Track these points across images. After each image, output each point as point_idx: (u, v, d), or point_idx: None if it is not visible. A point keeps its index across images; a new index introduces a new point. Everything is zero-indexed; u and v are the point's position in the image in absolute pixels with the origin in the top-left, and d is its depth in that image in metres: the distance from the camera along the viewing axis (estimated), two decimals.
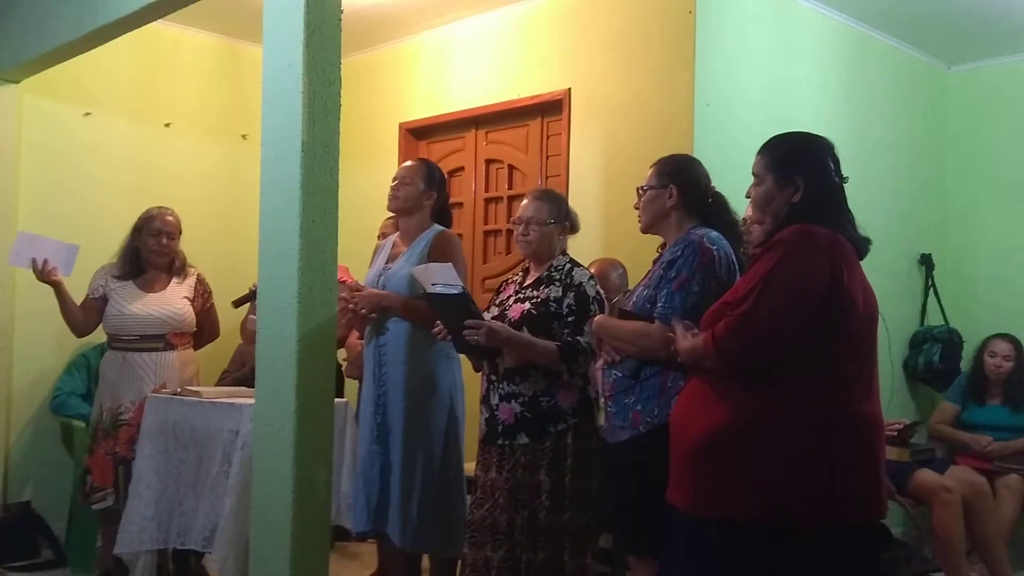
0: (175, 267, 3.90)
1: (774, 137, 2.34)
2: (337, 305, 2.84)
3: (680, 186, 2.64)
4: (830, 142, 2.28)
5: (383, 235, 3.97)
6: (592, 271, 3.13)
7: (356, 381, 3.89)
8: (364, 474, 3.28)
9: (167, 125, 5.04)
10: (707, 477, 2.16)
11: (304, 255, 2.65)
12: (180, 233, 3.90)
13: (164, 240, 3.83)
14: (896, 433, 3.82)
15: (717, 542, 2.13)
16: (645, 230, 2.74)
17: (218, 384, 4.37)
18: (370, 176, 4.93)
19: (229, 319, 4.13)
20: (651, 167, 2.73)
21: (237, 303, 3.74)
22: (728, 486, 2.12)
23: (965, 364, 4.71)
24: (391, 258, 3.41)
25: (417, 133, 5.11)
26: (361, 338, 3.81)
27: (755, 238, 2.42)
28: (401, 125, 5.12)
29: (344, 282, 3.22)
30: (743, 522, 2.10)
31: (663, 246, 2.70)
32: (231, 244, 4.93)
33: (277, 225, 2.72)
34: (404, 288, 3.23)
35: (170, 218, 3.87)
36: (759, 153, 2.31)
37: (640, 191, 2.72)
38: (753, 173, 2.30)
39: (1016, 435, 4.26)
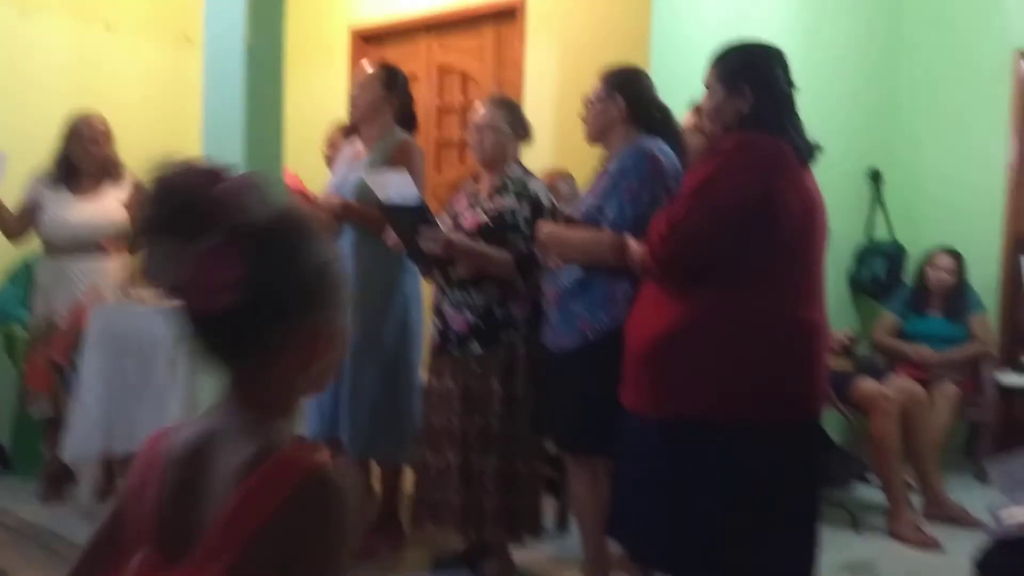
0: (110, 172, 3.81)
1: (724, 47, 2.36)
2: None
3: (628, 97, 2.64)
4: (780, 51, 2.31)
5: (331, 145, 3.89)
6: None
7: None
8: None
9: (108, 26, 4.84)
10: (656, 377, 2.24)
11: (248, 160, 2.60)
12: (110, 138, 3.81)
13: (92, 147, 3.74)
14: (841, 344, 3.91)
15: (665, 440, 2.22)
16: (592, 141, 2.74)
17: None
18: (320, 83, 4.81)
19: None
20: (599, 78, 2.71)
21: None
22: (675, 386, 2.21)
23: (909, 278, 4.82)
24: (351, 163, 3.36)
25: (368, 38, 4.97)
26: None
27: (693, 146, 2.46)
28: (351, 30, 4.98)
29: (294, 190, 3.16)
30: (690, 420, 2.19)
31: (606, 157, 2.71)
32: (174, 148, 4.79)
33: (220, 130, 2.66)
34: (353, 193, 3.18)
35: (98, 125, 3.78)
36: (710, 64, 2.34)
37: (587, 102, 2.70)
38: (704, 84, 2.33)
39: (954, 345, 4.40)
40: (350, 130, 3.83)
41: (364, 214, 3.12)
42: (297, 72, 5.10)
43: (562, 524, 3.50)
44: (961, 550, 3.00)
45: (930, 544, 3.49)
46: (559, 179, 3.68)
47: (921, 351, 4.38)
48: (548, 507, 3.36)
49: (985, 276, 4.84)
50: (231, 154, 2.61)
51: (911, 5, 5.22)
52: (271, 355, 0.91)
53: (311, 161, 4.04)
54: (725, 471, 2.17)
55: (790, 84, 2.29)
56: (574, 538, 3.00)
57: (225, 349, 0.91)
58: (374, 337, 3.17)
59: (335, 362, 0.98)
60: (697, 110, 2.94)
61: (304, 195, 3.27)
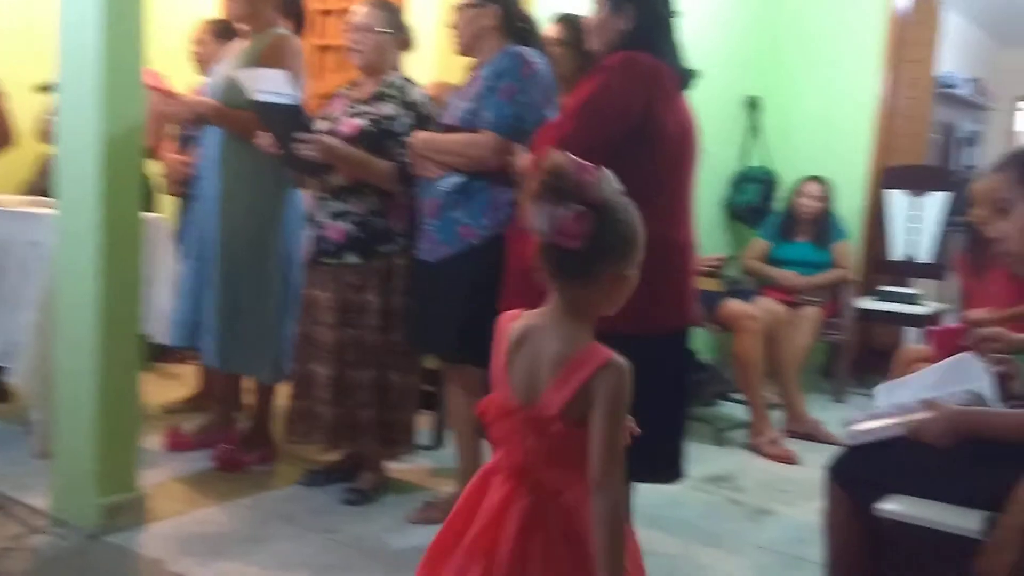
0: None
1: None
2: (145, 112, 2.63)
3: (503, 5, 2.60)
4: None
5: (199, 42, 3.67)
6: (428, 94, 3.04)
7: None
8: (182, 288, 3.17)
9: None
10: (536, 290, 2.22)
11: (107, 52, 2.41)
12: None
13: None
14: (712, 267, 4.02)
15: None
16: (463, 51, 2.70)
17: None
18: None
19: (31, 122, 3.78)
20: None
21: (44, 88, 3.44)
22: None
23: (780, 205, 4.98)
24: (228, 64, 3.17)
25: None
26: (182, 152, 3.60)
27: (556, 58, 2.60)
28: None
29: (153, 88, 2.96)
30: None
31: (476, 66, 2.67)
32: (29, 39, 4.42)
33: (76, 16, 2.44)
34: (220, 90, 3.01)
35: None
36: None
37: (459, 9, 2.65)
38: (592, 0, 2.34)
39: (819, 270, 4.59)
40: (227, 28, 3.62)
41: (231, 115, 2.95)
42: None
43: (439, 439, 3.51)
44: (816, 462, 3.15)
45: (787, 458, 3.68)
46: (445, 91, 3.57)
47: (786, 275, 4.55)
48: (425, 423, 3.37)
49: (851, 206, 5.05)
50: (87, 46, 2.41)
51: None
52: (592, 284, 1.41)
53: (180, 58, 3.80)
54: None
55: (671, 9, 2.33)
56: (451, 452, 3.01)
57: (566, 274, 1.41)
58: (243, 244, 3.04)
59: (623, 299, 1.46)
60: (560, 23, 2.96)
61: (164, 92, 3.06)
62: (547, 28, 2.98)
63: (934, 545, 1.76)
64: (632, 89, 2.17)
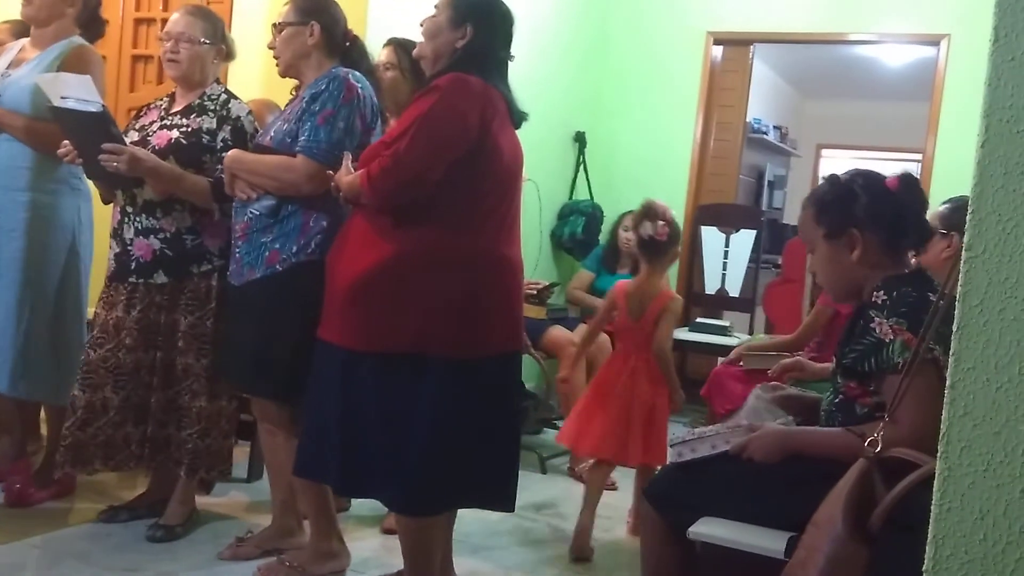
0: None
1: None
2: None
3: (322, 24, 2.53)
4: (512, 16, 2.34)
5: None
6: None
7: None
8: None
9: None
10: (364, 311, 2.20)
11: None
12: None
13: None
14: (535, 292, 4.08)
15: (372, 373, 2.19)
16: (284, 72, 2.60)
17: None
18: None
19: None
20: (288, 2, 2.57)
21: None
22: (384, 320, 2.19)
23: (604, 237, 5.12)
24: (14, 64, 2.93)
25: None
26: None
27: (387, 81, 2.71)
28: None
29: None
30: (401, 354, 2.18)
31: (297, 88, 2.60)
32: None
33: None
34: (25, 100, 2.80)
35: None
36: None
37: (276, 28, 2.56)
38: (435, 4, 2.30)
39: None
40: (27, 30, 3.36)
41: (35, 127, 2.74)
42: None
43: (255, 472, 3.35)
44: (633, 486, 3.27)
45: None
46: (267, 110, 3.46)
47: None
48: (242, 453, 3.21)
49: None
50: None
51: None
52: (669, 258, 3.18)
53: None
54: (432, 404, 2.17)
55: (509, 46, 2.32)
56: (266, 485, 2.88)
57: (659, 254, 3.08)
58: (36, 263, 2.82)
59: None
60: (392, 47, 2.94)
61: None
62: (380, 52, 2.94)
63: (745, 567, 1.81)
64: (466, 107, 2.15)
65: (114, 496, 2.96)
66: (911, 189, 1.98)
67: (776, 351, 3.46)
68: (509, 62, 2.33)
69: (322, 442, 2.30)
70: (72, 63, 2.83)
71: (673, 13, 5.43)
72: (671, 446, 2.07)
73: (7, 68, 2.91)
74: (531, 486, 3.59)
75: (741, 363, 3.49)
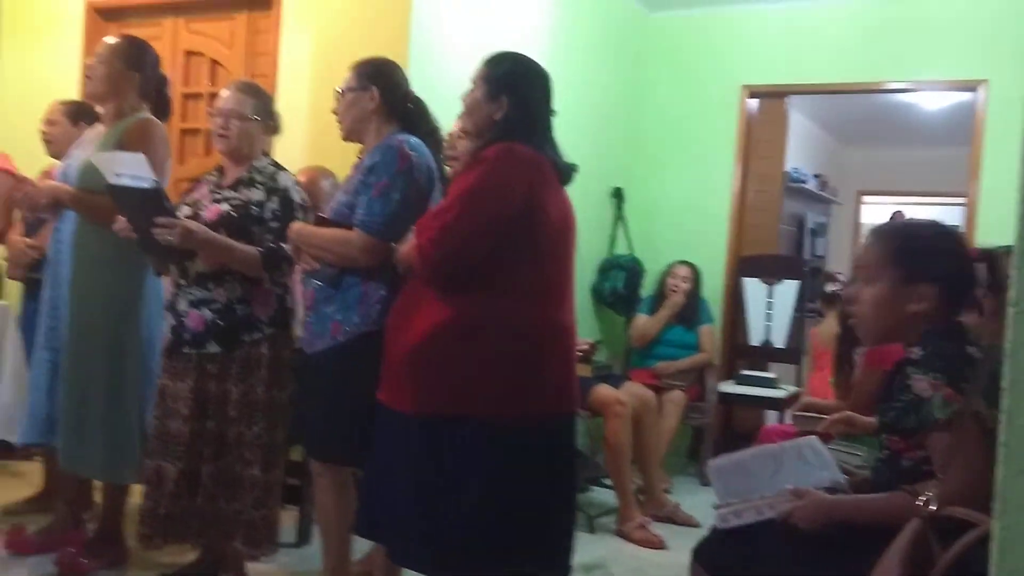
0: None
1: (500, 52, 2.42)
2: None
3: (381, 88, 2.58)
4: (547, 74, 2.39)
5: (50, 122, 3.54)
6: (302, 180, 3.01)
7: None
8: (34, 381, 2.99)
9: None
10: (423, 377, 2.23)
11: None
12: None
13: None
14: (583, 352, 4.08)
15: (434, 438, 2.21)
16: (346, 136, 2.66)
17: None
18: (47, 59, 4.36)
19: None
20: (350, 69, 2.65)
21: None
22: (444, 384, 2.22)
23: (646, 291, 5.14)
24: (83, 144, 3.05)
25: (106, 14, 4.58)
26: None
27: (461, 151, 2.46)
28: (87, 2, 4.57)
29: (5, 171, 2.83)
30: (459, 417, 2.20)
31: (362, 152, 2.64)
32: None
33: None
34: (73, 177, 2.90)
35: None
36: (483, 63, 2.38)
37: (340, 94, 2.63)
38: (471, 79, 2.36)
39: (687, 351, 4.76)
40: (81, 111, 3.51)
41: (89, 200, 2.84)
42: (17, 44, 4.63)
43: (304, 535, 3.37)
44: (683, 546, 3.18)
45: (655, 543, 3.70)
46: (320, 176, 3.55)
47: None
48: (290, 518, 3.23)
49: (712, 292, 5.26)
50: None
51: (653, 45, 5.58)
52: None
53: (36, 140, 3.64)
54: (485, 468, 2.18)
55: (549, 106, 2.37)
56: (315, 549, 2.88)
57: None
58: (99, 337, 2.89)
59: None
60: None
61: (13, 176, 2.92)
62: (455, 122, 2.94)
63: None
64: (512, 177, 2.19)
65: (164, 565, 2.98)
66: (985, 265, 1.95)
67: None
68: (552, 119, 2.36)
69: (381, 503, 2.32)
70: (134, 135, 2.89)
71: (708, 68, 5.48)
72: (715, 508, 2.05)
73: (74, 149, 3.01)
74: (580, 546, 3.52)
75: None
